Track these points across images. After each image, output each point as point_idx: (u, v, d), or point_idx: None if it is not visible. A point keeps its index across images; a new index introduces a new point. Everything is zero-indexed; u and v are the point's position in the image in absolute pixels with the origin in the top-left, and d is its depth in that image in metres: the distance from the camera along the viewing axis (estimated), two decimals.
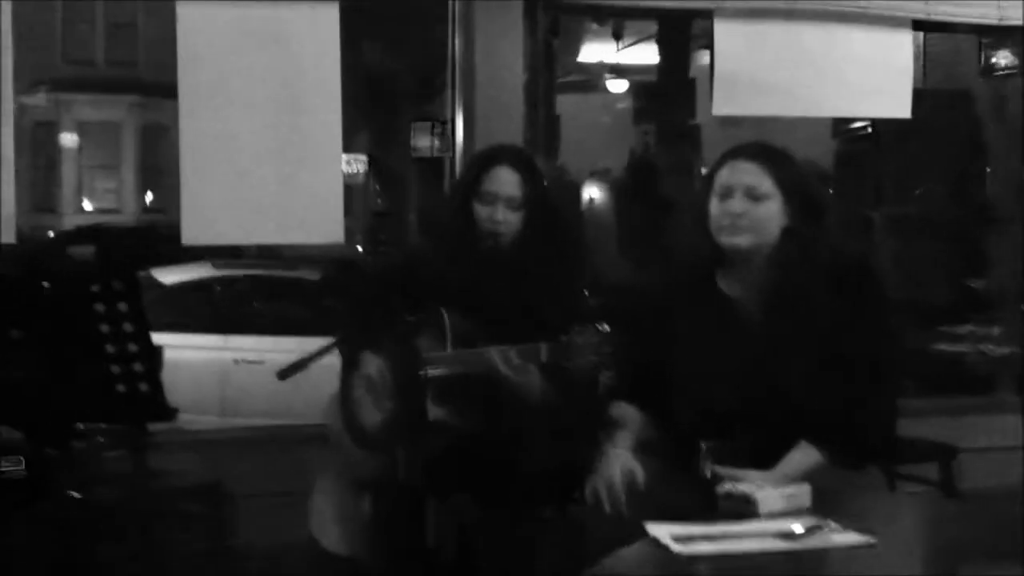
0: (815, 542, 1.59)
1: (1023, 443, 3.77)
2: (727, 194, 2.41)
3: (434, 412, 2.67)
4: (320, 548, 2.88)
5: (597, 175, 11.88)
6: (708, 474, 2.15)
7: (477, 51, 3.86)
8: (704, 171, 2.61)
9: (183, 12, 3.55)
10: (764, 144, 2.52)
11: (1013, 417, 3.93)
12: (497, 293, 2.75)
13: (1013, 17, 4.21)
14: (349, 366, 2.82)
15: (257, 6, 3.58)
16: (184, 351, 6.43)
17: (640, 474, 2.31)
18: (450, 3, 3.95)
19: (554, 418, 2.71)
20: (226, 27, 3.57)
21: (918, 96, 4.21)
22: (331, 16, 3.64)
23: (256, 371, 6.69)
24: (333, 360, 2.96)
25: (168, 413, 2.46)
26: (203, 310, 7.59)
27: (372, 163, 11.44)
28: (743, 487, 1.80)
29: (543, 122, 7.92)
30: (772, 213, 2.41)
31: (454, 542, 2.65)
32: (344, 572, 2.87)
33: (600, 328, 2.39)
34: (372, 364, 2.76)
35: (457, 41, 3.94)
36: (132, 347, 2.36)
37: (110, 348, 2.37)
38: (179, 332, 6.62)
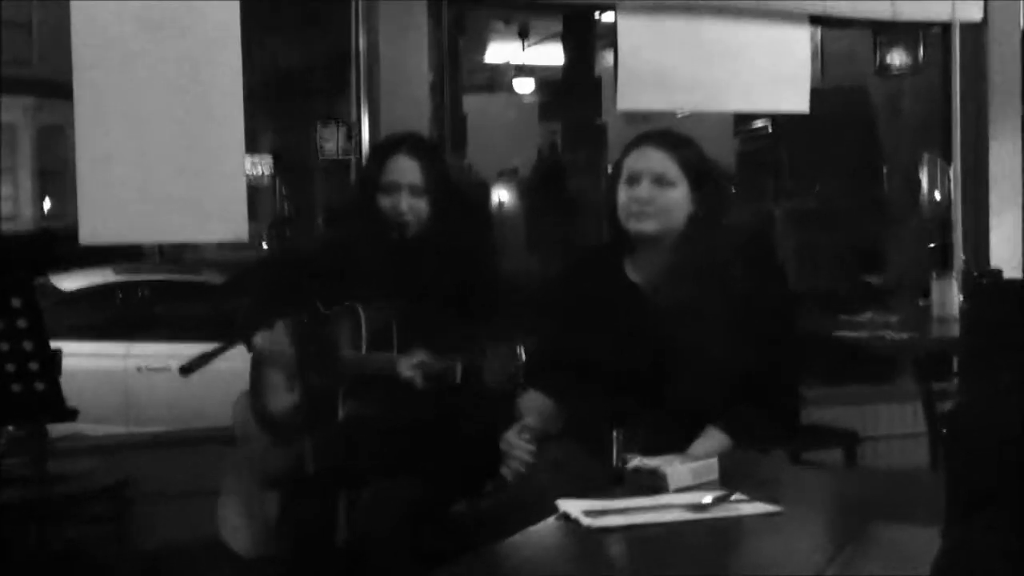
0: (723, 512, 1.61)
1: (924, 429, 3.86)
2: (634, 180, 2.43)
3: (346, 406, 2.65)
4: (229, 550, 2.84)
5: (505, 175, 11.91)
6: (619, 462, 2.16)
7: (381, 50, 3.82)
8: (609, 169, 2.63)
9: (77, 7, 3.46)
10: (670, 131, 2.55)
11: (913, 405, 4.02)
12: (410, 284, 2.74)
13: (906, 12, 4.32)
14: (259, 355, 2.79)
15: None
16: (86, 359, 6.27)
17: (538, 421, 2.33)
18: (353, 0, 3.91)
19: (466, 428, 2.71)
20: (122, 21, 3.48)
21: (816, 94, 4.30)
22: (232, 9, 3.58)
23: (160, 378, 6.55)
24: (238, 365, 2.92)
25: (67, 413, 2.39)
26: (104, 317, 7.40)
27: (278, 164, 11.30)
28: (652, 461, 1.82)
29: (450, 121, 7.94)
30: (678, 199, 2.43)
31: (364, 535, 2.62)
32: (254, 573, 2.83)
33: (517, 350, 2.38)
34: (282, 354, 2.72)
35: (361, 40, 3.90)
36: (27, 345, 2.29)
37: (3, 346, 2.30)
38: (80, 340, 6.44)
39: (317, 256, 2.91)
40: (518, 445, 2.37)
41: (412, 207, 2.78)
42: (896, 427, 4.32)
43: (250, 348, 2.82)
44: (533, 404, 2.50)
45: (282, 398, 2.71)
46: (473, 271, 2.82)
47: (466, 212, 2.95)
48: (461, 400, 2.64)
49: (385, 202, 2.79)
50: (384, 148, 2.93)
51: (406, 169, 2.80)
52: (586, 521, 1.56)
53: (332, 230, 3.40)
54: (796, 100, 4.22)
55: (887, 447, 4.27)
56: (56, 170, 17.18)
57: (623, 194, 2.45)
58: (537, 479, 2.26)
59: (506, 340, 2.41)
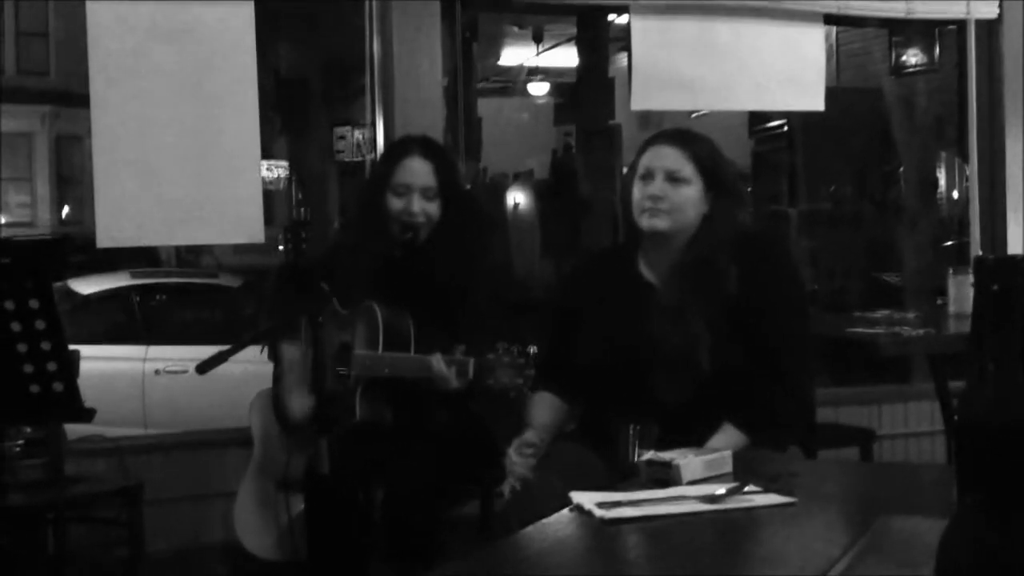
0: (737, 503, 1.62)
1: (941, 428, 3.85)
2: (648, 177, 2.44)
3: (362, 407, 2.66)
4: (245, 552, 2.85)
5: (520, 177, 11.95)
6: (634, 458, 2.16)
7: (395, 54, 3.83)
8: (624, 170, 2.64)
9: (93, 13, 3.48)
10: (686, 130, 2.55)
11: (930, 403, 4.01)
12: (423, 285, 2.74)
13: (920, 11, 4.31)
14: (279, 354, 2.80)
15: (169, 6, 3.52)
16: (104, 362, 6.29)
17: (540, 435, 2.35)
18: (366, 5, 3.92)
19: (475, 425, 2.72)
20: (137, 30, 3.50)
21: (831, 94, 4.29)
22: (246, 15, 3.60)
23: (177, 381, 6.59)
24: (254, 367, 2.92)
25: (85, 413, 2.40)
26: (122, 320, 7.44)
27: (293, 169, 11.37)
28: (666, 454, 1.83)
29: (465, 124, 7.95)
30: (692, 197, 2.43)
31: (382, 535, 2.63)
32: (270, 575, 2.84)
33: (528, 350, 2.38)
34: (302, 355, 2.73)
35: (375, 44, 3.91)
36: (45, 345, 2.31)
37: (22, 347, 2.31)
38: (98, 343, 6.47)
39: (331, 258, 2.91)
40: (518, 462, 2.37)
41: (424, 209, 2.78)
42: (912, 425, 4.31)
43: (274, 351, 2.83)
44: (543, 404, 2.51)
45: (303, 400, 2.71)
46: (484, 273, 2.82)
47: (477, 215, 2.95)
48: (472, 400, 2.65)
49: (396, 204, 2.79)
50: (396, 150, 2.93)
51: (419, 172, 2.80)
52: (599, 513, 1.56)
53: (345, 233, 3.40)
54: (811, 99, 4.21)
55: (904, 445, 4.26)
56: (73, 177, 17.30)
57: (637, 191, 2.45)
58: (549, 478, 2.25)
59: (516, 340, 2.41)
